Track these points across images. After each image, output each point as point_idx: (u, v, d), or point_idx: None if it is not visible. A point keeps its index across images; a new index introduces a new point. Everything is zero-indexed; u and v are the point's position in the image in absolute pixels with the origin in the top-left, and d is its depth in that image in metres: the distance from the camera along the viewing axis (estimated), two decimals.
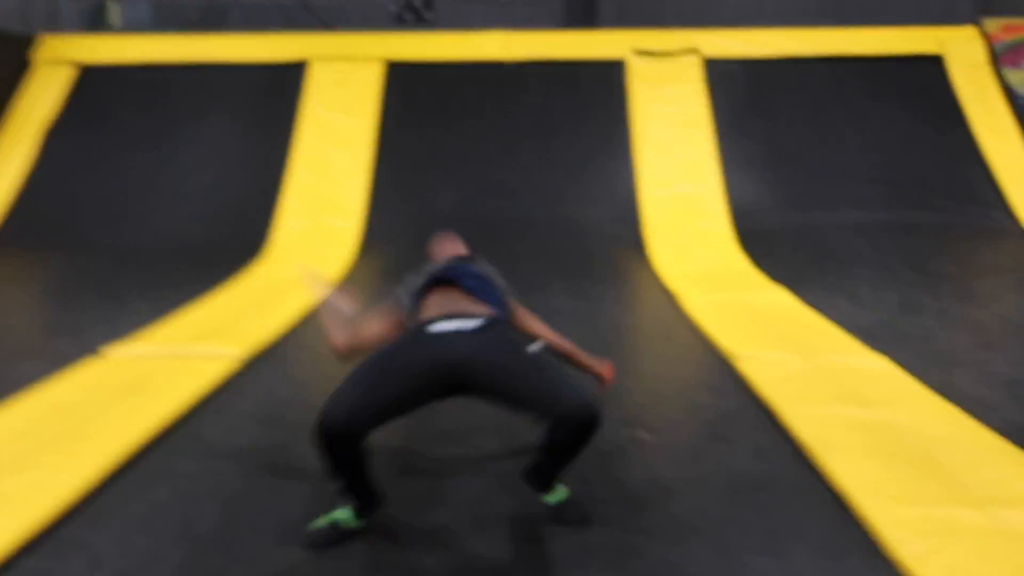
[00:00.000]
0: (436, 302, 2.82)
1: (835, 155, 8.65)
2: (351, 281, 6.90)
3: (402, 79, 9.29)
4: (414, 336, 2.67)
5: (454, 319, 2.66)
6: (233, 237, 7.81)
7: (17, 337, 5.22)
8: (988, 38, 9.45)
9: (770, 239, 7.55)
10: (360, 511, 2.68)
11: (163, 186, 8.45)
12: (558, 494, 2.77)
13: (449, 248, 3.36)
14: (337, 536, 2.65)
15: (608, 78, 9.21)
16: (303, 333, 5.35)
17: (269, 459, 3.33)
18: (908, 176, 8.33)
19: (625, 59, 9.33)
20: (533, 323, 3.09)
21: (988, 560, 2.45)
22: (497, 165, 8.59)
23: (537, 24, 10.67)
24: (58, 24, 10.52)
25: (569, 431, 2.44)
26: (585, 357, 3.13)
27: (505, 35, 9.49)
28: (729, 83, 9.19)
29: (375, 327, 2.93)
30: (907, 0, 10.48)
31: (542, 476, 2.72)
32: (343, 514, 2.67)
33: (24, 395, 3.93)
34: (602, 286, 6.50)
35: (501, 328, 2.72)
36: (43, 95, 9.05)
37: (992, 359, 4.57)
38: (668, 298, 6.14)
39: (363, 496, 2.66)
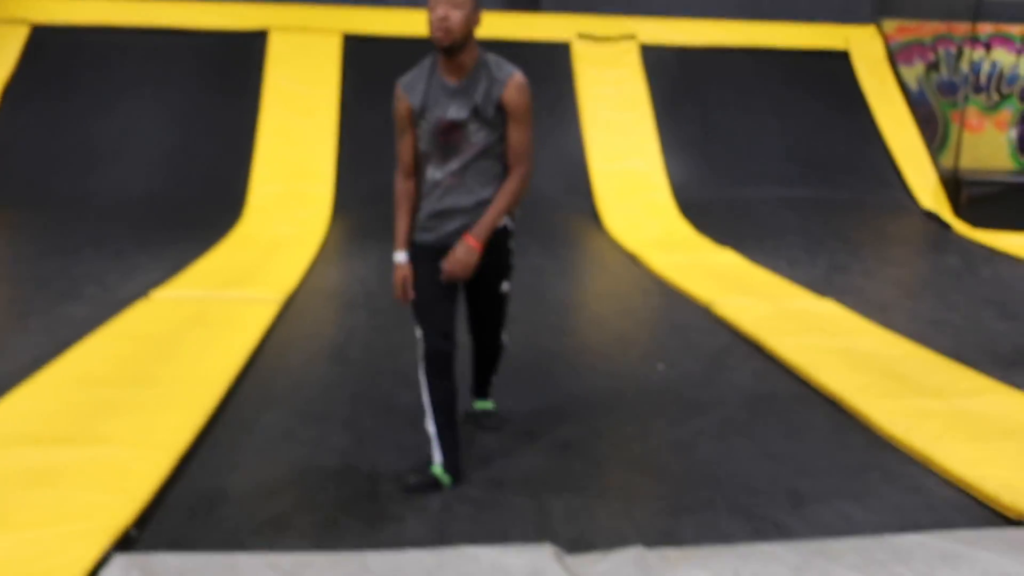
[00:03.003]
0: None
1: (759, 136, 9.64)
2: (331, 241, 7.38)
3: (359, 52, 9.70)
4: None
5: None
6: (208, 198, 8.12)
7: (49, 283, 5.50)
8: (886, 37, 10.64)
9: (708, 211, 8.44)
10: (448, 467, 2.83)
11: (132, 148, 8.63)
12: (486, 404, 3.40)
13: None
14: (431, 484, 2.81)
15: (554, 59, 9.90)
16: (319, 282, 5.85)
17: (358, 395, 3.87)
18: (823, 157, 9.40)
19: (570, 42, 10.04)
20: None
21: (954, 429, 3.31)
22: None
23: (480, 6, 11.18)
24: None
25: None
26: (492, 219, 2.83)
27: None
28: (663, 68, 10.04)
29: None
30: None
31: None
32: (437, 470, 2.82)
33: (109, 328, 4.35)
34: (572, 249, 7.23)
35: None
36: (1, 54, 9.02)
37: (916, 305, 5.57)
38: (632, 259, 6.92)
39: (451, 449, 2.84)
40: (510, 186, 2.81)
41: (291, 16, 9.87)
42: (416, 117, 2.80)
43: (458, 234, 2.79)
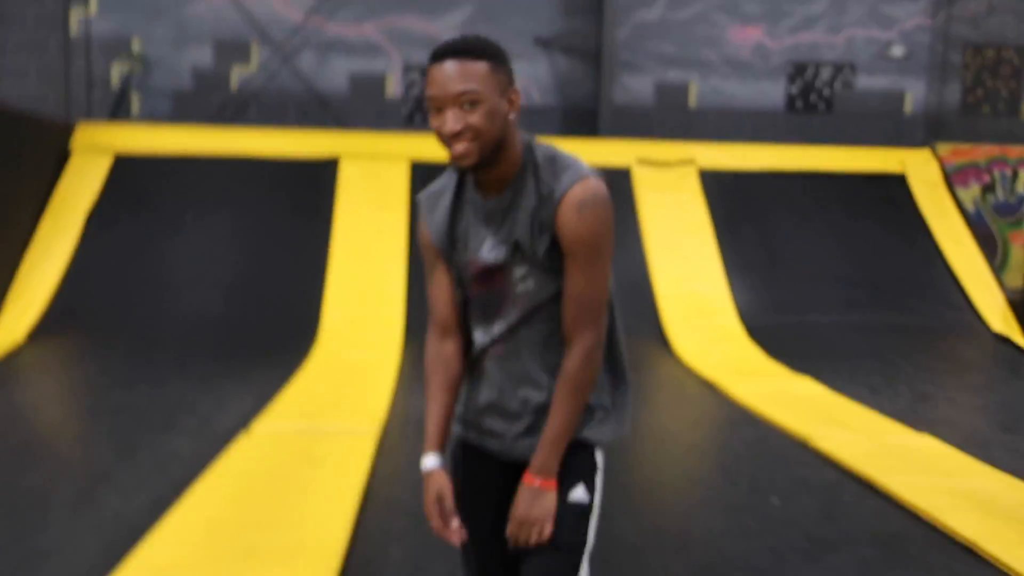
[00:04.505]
0: None
1: (820, 259, 9.71)
2: (406, 367, 7.44)
3: (427, 178, 9.99)
4: None
5: None
6: (283, 322, 8.28)
7: (145, 414, 5.58)
8: (940, 160, 10.82)
9: (777, 335, 8.43)
10: None
11: (208, 272, 8.87)
12: None
13: None
14: None
15: (616, 184, 10.10)
16: (406, 412, 5.89)
17: None
18: (887, 280, 9.42)
19: (630, 167, 10.31)
20: None
21: None
22: None
23: (539, 131, 11.58)
24: (88, 113, 10.90)
25: None
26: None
27: None
28: (722, 192, 10.24)
29: None
30: (866, 123, 11.82)
31: None
32: None
33: (220, 467, 4.38)
34: (647, 375, 7.23)
35: None
36: (83, 181, 9.43)
37: (1014, 439, 5.46)
38: (709, 387, 6.89)
39: None
40: (570, 372, 1.76)
41: (361, 144, 10.27)
42: (443, 254, 1.87)
43: (515, 437, 1.84)
